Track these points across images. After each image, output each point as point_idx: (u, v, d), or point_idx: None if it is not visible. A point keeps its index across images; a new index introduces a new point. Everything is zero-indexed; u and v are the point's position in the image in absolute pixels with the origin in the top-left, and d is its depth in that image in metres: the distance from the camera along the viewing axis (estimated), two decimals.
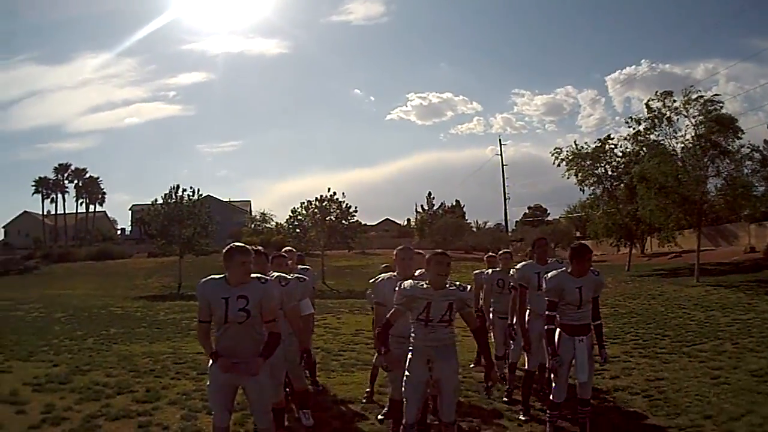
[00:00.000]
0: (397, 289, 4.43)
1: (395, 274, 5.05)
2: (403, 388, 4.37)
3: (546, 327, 5.11)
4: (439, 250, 4.45)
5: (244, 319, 4.06)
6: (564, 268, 5.16)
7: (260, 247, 5.41)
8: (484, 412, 6.09)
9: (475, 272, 9.12)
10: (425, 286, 4.26)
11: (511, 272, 6.99)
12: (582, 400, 5.08)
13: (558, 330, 5.07)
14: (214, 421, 4.31)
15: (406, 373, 4.30)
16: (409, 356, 4.32)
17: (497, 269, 7.72)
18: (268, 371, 4.29)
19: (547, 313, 5.11)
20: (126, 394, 6.76)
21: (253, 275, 4.28)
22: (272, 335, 4.16)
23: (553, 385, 5.13)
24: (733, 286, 18.40)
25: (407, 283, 4.37)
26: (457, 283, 4.35)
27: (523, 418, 5.85)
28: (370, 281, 5.52)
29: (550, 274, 5.14)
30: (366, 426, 5.68)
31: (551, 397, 5.17)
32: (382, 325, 4.47)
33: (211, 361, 4.23)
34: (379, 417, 5.98)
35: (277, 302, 4.60)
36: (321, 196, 36.49)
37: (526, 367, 6.14)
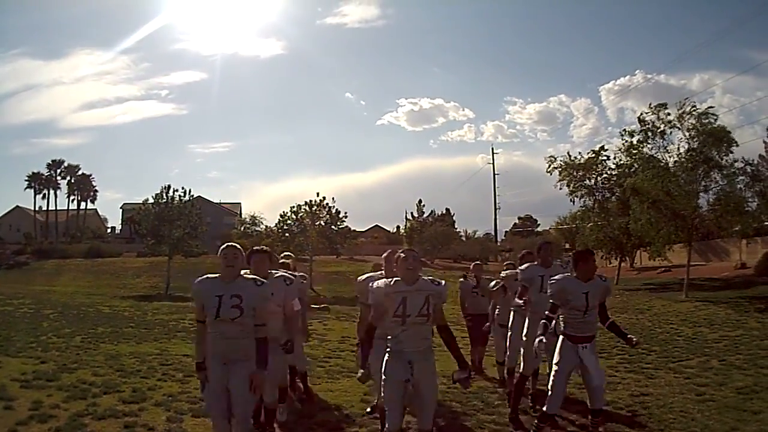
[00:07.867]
0: (370, 292, 4.34)
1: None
2: (381, 393, 4.26)
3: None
4: (406, 248, 4.42)
5: (236, 315, 4.09)
6: (569, 273, 5.10)
7: (266, 247, 5.58)
8: (466, 424, 6.07)
9: (460, 280, 9.25)
10: (397, 281, 4.15)
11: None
12: (594, 411, 4.97)
13: (561, 337, 5.02)
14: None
15: (383, 376, 4.14)
16: (386, 358, 4.16)
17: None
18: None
19: (546, 313, 5.05)
20: (112, 393, 6.75)
21: (249, 276, 4.35)
22: (260, 341, 4.17)
23: (549, 393, 4.96)
24: (722, 303, 18.41)
25: (379, 282, 4.25)
26: (431, 277, 4.27)
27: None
28: (358, 279, 5.64)
29: (555, 277, 5.07)
30: None
31: (544, 408, 5.00)
32: (365, 330, 4.34)
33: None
34: (367, 409, 6.17)
35: (278, 301, 4.74)
36: (310, 200, 36.61)
37: (521, 370, 6.08)
